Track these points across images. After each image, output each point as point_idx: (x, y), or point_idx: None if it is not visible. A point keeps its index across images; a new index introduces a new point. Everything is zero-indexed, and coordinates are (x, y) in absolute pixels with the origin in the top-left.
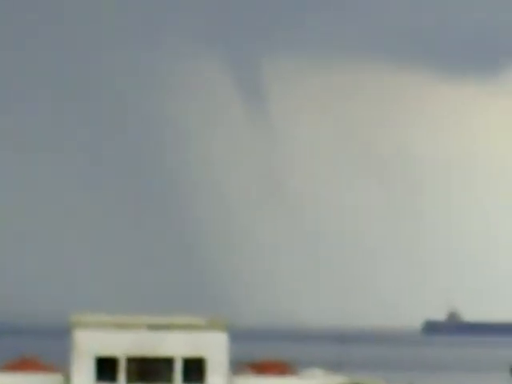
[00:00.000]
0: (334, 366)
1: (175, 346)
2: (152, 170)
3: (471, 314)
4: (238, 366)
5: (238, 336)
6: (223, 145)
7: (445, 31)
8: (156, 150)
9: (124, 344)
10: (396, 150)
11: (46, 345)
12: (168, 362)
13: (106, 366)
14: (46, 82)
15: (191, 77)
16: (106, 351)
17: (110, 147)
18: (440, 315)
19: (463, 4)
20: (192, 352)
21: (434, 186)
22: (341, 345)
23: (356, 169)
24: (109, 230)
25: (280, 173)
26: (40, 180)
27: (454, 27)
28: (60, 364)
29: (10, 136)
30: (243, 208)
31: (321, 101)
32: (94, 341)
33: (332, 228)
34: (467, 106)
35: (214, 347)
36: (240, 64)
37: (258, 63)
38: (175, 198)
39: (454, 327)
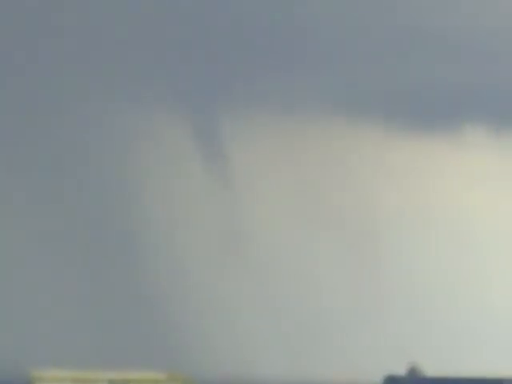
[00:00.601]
0: None
1: None
2: (112, 224)
3: (432, 369)
4: None
5: None
6: (183, 204)
7: (403, 83)
8: (116, 205)
9: None
10: (356, 201)
11: None
12: None
13: None
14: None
15: (151, 136)
16: None
17: (70, 200)
18: (401, 370)
19: (425, 58)
20: None
21: (394, 239)
22: None
23: (316, 224)
24: (67, 282)
25: (241, 232)
26: None
27: (412, 80)
28: None
29: None
30: (204, 266)
31: (280, 157)
32: None
33: (292, 285)
34: (428, 158)
35: None
36: (200, 122)
37: (218, 122)
38: (134, 253)
39: (414, 382)
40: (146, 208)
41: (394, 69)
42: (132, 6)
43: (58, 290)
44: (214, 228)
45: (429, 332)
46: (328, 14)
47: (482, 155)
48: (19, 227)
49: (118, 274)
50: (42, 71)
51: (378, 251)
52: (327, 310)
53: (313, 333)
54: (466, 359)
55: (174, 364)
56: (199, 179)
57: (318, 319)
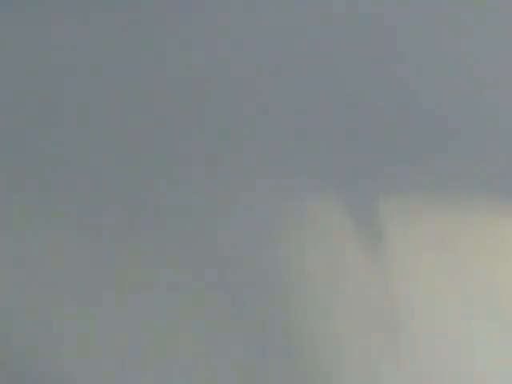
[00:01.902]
0: None
1: None
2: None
3: None
4: None
5: None
6: (341, 284)
7: None
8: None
9: None
10: (508, 287)
11: None
12: None
13: None
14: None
15: (308, 214)
16: None
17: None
18: None
19: None
20: None
21: None
22: None
23: (471, 309)
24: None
25: (396, 313)
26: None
27: None
28: None
29: None
30: (362, 350)
31: (436, 241)
32: None
33: (445, 368)
34: None
35: None
36: (355, 203)
37: (373, 203)
38: (285, 328)
39: None
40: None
41: None
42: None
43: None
44: (370, 308)
45: None
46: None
47: None
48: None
49: (271, 345)
50: None
51: None
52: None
53: None
54: None
55: None
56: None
57: None
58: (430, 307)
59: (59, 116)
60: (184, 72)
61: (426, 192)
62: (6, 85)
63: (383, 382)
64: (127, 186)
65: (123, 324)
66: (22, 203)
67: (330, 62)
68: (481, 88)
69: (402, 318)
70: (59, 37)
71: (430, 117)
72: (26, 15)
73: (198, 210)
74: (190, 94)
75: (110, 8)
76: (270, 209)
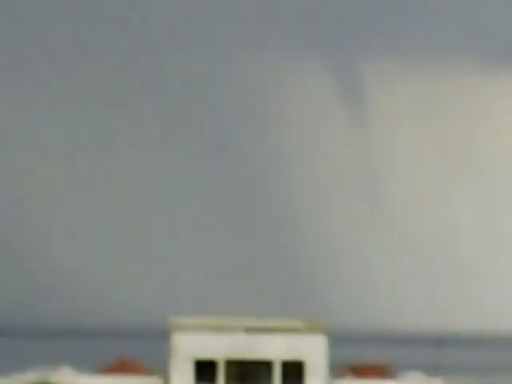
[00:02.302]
0: (433, 370)
1: (274, 349)
2: (250, 159)
3: None
4: (338, 369)
5: (337, 339)
6: (323, 146)
7: None
8: (256, 142)
9: (223, 347)
10: (492, 153)
11: (144, 347)
12: (267, 366)
13: (205, 369)
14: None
15: (293, 78)
16: (206, 354)
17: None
18: None
19: None
20: (291, 355)
21: None
22: (439, 348)
23: (450, 171)
24: (208, 230)
25: (378, 178)
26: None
27: None
28: (159, 367)
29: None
30: (342, 211)
31: (420, 106)
32: (193, 344)
33: (427, 232)
34: None
35: (313, 350)
36: (342, 68)
37: (359, 67)
38: (273, 199)
39: None
40: (288, 146)
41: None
42: None
43: (201, 240)
44: (352, 173)
45: None
46: None
47: None
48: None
49: (257, 224)
50: None
51: None
52: (463, 256)
53: (448, 279)
54: None
55: (314, 313)
56: (339, 119)
57: (452, 264)
58: (411, 174)
59: None
60: None
61: (407, 57)
62: None
63: (365, 250)
64: (121, 58)
65: (124, 209)
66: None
67: None
68: None
69: (383, 185)
70: None
71: None
72: None
73: (197, 79)
74: None
75: None
76: (260, 76)
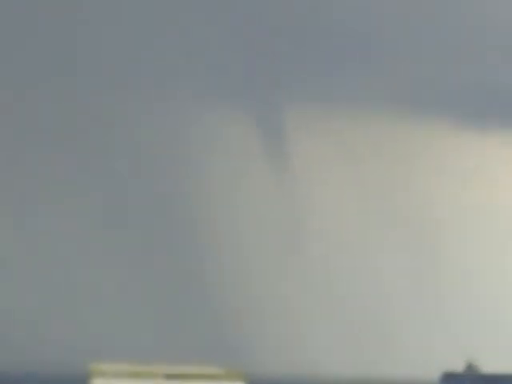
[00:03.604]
0: None
1: None
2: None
3: (489, 366)
4: None
5: None
6: (246, 196)
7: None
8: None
9: None
10: (414, 198)
11: None
12: None
13: None
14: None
15: (214, 128)
16: None
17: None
18: (458, 367)
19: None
20: None
21: (456, 240)
22: None
23: (373, 216)
24: (130, 277)
25: (300, 213)
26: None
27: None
28: None
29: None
30: (264, 261)
31: (341, 152)
32: None
33: (350, 278)
34: (492, 158)
35: None
36: (264, 116)
37: (278, 113)
38: (196, 245)
39: (472, 379)
40: (211, 199)
41: (447, 68)
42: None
43: (121, 286)
44: (276, 223)
45: (486, 330)
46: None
47: None
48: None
49: (180, 270)
50: None
51: (437, 249)
52: (386, 307)
53: (372, 328)
54: None
55: (233, 361)
56: (263, 168)
57: (376, 315)
58: (332, 213)
59: None
60: None
61: (331, 103)
62: None
63: (289, 300)
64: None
65: None
66: None
67: None
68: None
69: (307, 233)
70: None
71: (330, 31)
72: None
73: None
74: None
75: None
76: (182, 126)
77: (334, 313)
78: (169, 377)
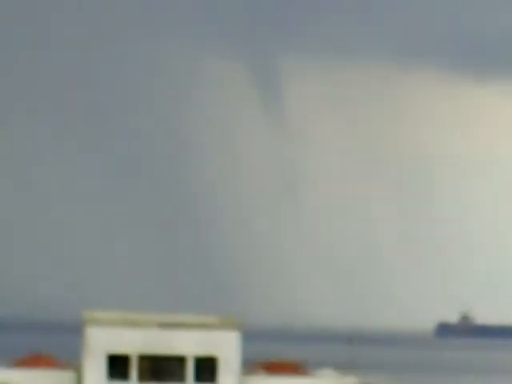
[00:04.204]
0: (345, 367)
1: (187, 344)
2: (174, 160)
3: (484, 316)
4: (250, 365)
5: (250, 335)
6: (241, 140)
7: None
8: (179, 137)
9: (136, 342)
10: (410, 149)
11: (58, 341)
12: (180, 361)
13: (118, 364)
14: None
15: (213, 74)
16: (119, 348)
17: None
18: (453, 317)
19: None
20: (204, 351)
21: (449, 187)
22: (353, 346)
23: (371, 169)
24: (127, 231)
25: (296, 165)
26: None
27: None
28: (73, 360)
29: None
30: (259, 208)
31: (334, 100)
32: (106, 338)
33: (347, 231)
34: (483, 106)
35: (226, 346)
36: (259, 63)
37: (275, 63)
38: (194, 198)
39: (466, 330)
40: (208, 144)
41: (448, 15)
42: None
43: (122, 238)
44: (269, 168)
45: (481, 279)
46: None
47: None
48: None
49: (179, 222)
50: None
51: (431, 194)
52: (380, 255)
53: (365, 278)
54: None
55: (228, 309)
56: (258, 116)
57: (370, 264)
58: (328, 165)
59: None
60: None
61: (326, 52)
62: None
63: (285, 252)
64: None
65: None
66: None
67: None
68: None
69: (300, 175)
70: None
71: None
72: None
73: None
74: None
75: None
76: (174, 68)
77: (329, 262)
78: (163, 325)
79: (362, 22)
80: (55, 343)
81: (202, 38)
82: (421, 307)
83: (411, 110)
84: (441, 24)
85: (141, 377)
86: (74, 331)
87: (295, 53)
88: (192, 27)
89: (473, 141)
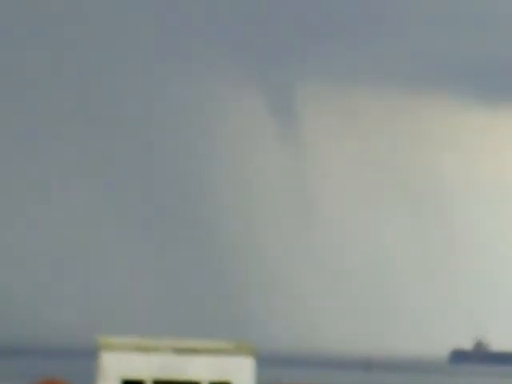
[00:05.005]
0: None
1: (202, 370)
2: (188, 177)
3: (499, 343)
4: None
5: (264, 360)
6: (258, 165)
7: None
8: (196, 158)
9: (151, 367)
10: (423, 174)
11: (72, 366)
12: None
13: None
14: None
15: (228, 102)
16: (133, 374)
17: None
18: (467, 344)
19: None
20: (218, 377)
21: (464, 212)
22: (367, 371)
23: (383, 192)
24: (136, 255)
25: (311, 192)
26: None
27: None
28: None
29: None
30: (273, 233)
31: (348, 125)
32: (120, 363)
33: (360, 256)
34: (495, 132)
35: (240, 371)
36: (274, 89)
37: (291, 89)
38: (207, 221)
39: (481, 356)
40: (224, 168)
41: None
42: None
43: (135, 261)
44: (285, 189)
45: (498, 306)
46: None
47: None
48: None
49: (192, 248)
50: None
51: (446, 219)
52: (393, 280)
53: (379, 304)
54: None
55: (241, 335)
56: (273, 140)
57: (384, 290)
58: (342, 191)
59: None
60: None
61: (342, 77)
62: None
63: (300, 274)
64: None
65: None
66: None
67: None
68: None
69: (315, 201)
70: None
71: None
72: None
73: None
74: None
75: None
76: (187, 94)
77: (343, 287)
78: (177, 350)
79: (377, 46)
80: (69, 368)
81: (214, 63)
82: (435, 333)
83: (428, 138)
84: (455, 49)
85: None
86: (87, 356)
87: (309, 78)
88: (205, 52)
89: (487, 166)
